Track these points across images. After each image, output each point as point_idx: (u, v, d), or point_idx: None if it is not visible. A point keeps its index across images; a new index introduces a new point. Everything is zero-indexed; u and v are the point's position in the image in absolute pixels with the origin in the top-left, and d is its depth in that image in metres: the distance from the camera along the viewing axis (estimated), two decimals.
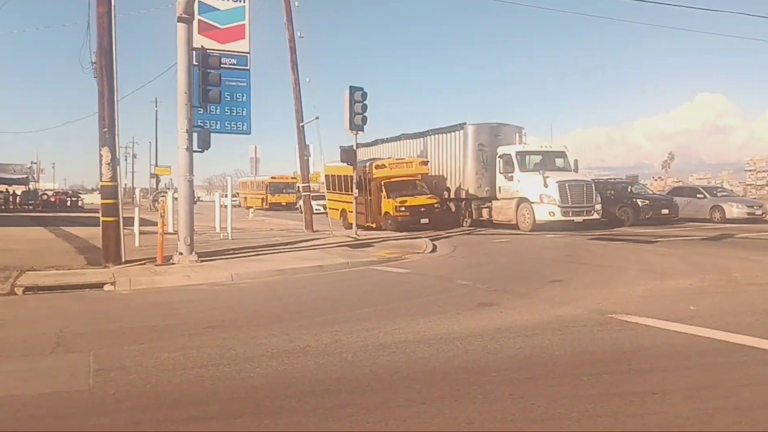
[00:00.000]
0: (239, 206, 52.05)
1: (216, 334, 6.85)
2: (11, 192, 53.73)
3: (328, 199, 26.88)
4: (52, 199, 57.73)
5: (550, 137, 33.79)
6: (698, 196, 28.08)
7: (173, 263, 13.06)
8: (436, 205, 24.18)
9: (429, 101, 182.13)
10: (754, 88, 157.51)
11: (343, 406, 4.42)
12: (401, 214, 23.45)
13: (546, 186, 22.10)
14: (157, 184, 60.04)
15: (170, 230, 17.95)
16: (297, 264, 13.37)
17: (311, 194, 25.02)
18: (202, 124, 14.25)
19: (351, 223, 24.41)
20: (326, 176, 27.81)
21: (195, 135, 13.63)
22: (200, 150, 13.82)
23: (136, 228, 17.30)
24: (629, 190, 28.06)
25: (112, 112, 12.79)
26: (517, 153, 23.46)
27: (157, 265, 12.82)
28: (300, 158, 23.88)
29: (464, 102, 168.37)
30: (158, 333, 7.08)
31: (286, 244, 18.07)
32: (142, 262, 13.19)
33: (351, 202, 22.19)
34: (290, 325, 7.34)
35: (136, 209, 19.24)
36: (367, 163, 25.23)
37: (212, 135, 14.36)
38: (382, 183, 24.50)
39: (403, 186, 24.48)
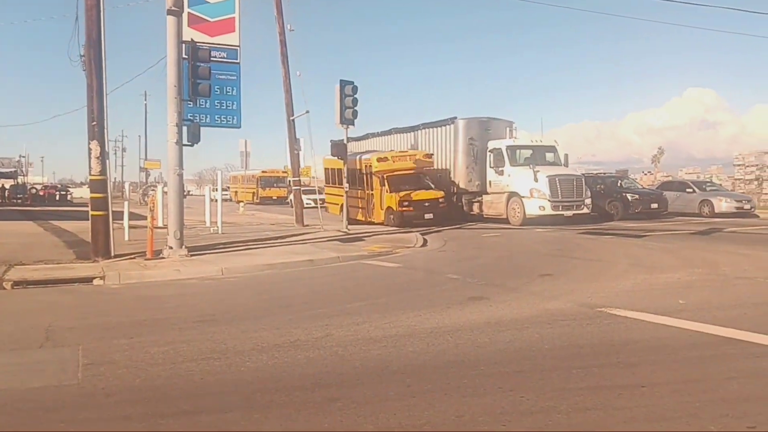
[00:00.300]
0: (230, 200, 51.89)
1: (206, 328, 6.84)
2: (0, 186, 53.29)
3: (327, 194, 26.37)
4: (41, 193, 57.20)
5: (540, 132, 33.84)
6: (687, 190, 28.26)
7: (163, 257, 13.00)
8: (441, 200, 23.12)
9: (420, 96, 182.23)
10: (743, 83, 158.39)
11: (333, 400, 4.42)
12: (404, 209, 22.46)
13: (536, 180, 22.18)
14: (146, 178, 59.90)
15: (160, 224, 17.86)
16: (287, 258, 13.35)
17: (302, 188, 24.96)
18: (191, 118, 14.22)
19: (351, 219, 24.20)
20: (325, 170, 27.22)
21: (185, 128, 13.57)
22: (190, 144, 13.78)
23: (125, 222, 17.20)
24: (619, 184, 28.19)
25: (101, 106, 12.71)
26: (508, 147, 23.48)
27: (146, 260, 12.77)
28: (290, 152, 23.80)
29: (455, 96, 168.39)
30: (148, 327, 7.06)
31: (277, 238, 18.04)
32: (132, 256, 13.14)
33: (352, 197, 21.82)
34: (280, 319, 7.33)
35: (126, 203, 19.15)
36: (368, 156, 24.53)
37: (202, 128, 14.33)
38: (385, 176, 23.35)
39: (407, 180, 23.34)
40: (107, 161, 12.98)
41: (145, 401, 4.52)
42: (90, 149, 12.56)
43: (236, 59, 15.57)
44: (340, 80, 20.18)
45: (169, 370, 5.25)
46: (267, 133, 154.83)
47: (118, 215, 16.41)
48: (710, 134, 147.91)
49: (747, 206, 26.83)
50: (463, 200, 24.97)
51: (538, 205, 22.13)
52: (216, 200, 21.36)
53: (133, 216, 18.27)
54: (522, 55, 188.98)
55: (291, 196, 31.46)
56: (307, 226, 22.26)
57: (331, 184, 26.73)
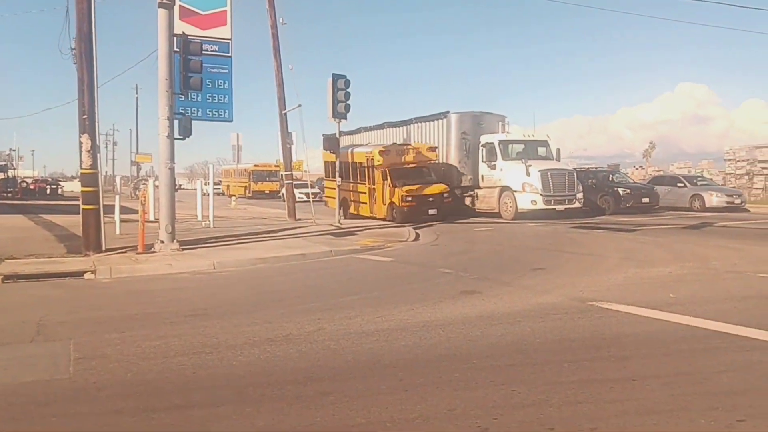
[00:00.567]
0: (222, 194, 51.71)
1: (198, 323, 6.83)
2: None
3: (327, 188, 26.09)
4: (32, 187, 56.95)
5: (532, 126, 33.98)
6: (678, 185, 28.38)
7: (154, 251, 12.96)
8: (445, 195, 22.58)
9: (412, 90, 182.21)
10: (735, 78, 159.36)
11: (325, 394, 4.43)
12: (407, 204, 21.77)
13: (528, 175, 22.21)
14: (138, 172, 59.46)
15: (151, 218, 17.83)
16: (280, 252, 13.33)
17: (294, 182, 24.90)
18: (183, 111, 14.11)
19: (353, 213, 24.02)
20: (325, 163, 26.82)
21: (176, 122, 13.51)
22: (181, 137, 13.73)
23: (116, 216, 17.14)
24: (610, 179, 28.32)
25: (92, 99, 12.63)
26: (500, 142, 23.49)
27: (138, 254, 12.73)
28: (282, 146, 23.76)
29: (447, 91, 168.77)
30: (139, 321, 7.04)
31: (269, 232, 18.00)
32: (123, 250, 13.09)
33: (353, 191, 21.59)
34: (272, 313, 7.33)
35: (117, 197, 19.06)
36: (370, 149, 24.08)
37: (194, 122, 14.27)
38: (387, 170, 22.69)
39: (410, 174, 22.78)
40: (98, 155, 12.91)
41: (136, 395, 4.51)
42: (81, 143, 12.49)
43: (228, 53, 15.45)
44: (333, 74, 20.16)
45: (161, 365, 5.24)
46: (259, 126, 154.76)
47: (110, 209, 16.35)
48: (701, 129, 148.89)
49: (737, 201, 27.02)
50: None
51: (530, 199, 22.18)
52: (208, 194, 21.30)
53: (124, 210, 18.20)
54: (514, 49, 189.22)
55: (283, 190, 31.40)
56: (300, 220, 22.25)
57: (331, 178, 26.08)
